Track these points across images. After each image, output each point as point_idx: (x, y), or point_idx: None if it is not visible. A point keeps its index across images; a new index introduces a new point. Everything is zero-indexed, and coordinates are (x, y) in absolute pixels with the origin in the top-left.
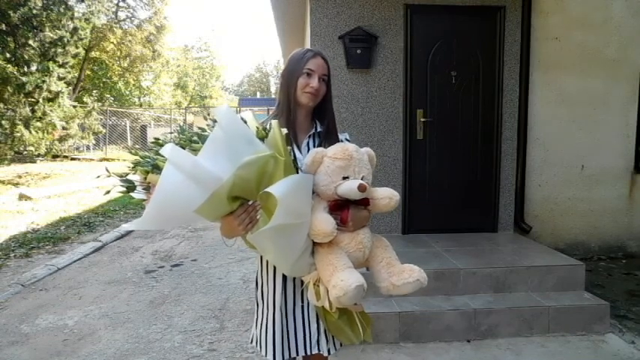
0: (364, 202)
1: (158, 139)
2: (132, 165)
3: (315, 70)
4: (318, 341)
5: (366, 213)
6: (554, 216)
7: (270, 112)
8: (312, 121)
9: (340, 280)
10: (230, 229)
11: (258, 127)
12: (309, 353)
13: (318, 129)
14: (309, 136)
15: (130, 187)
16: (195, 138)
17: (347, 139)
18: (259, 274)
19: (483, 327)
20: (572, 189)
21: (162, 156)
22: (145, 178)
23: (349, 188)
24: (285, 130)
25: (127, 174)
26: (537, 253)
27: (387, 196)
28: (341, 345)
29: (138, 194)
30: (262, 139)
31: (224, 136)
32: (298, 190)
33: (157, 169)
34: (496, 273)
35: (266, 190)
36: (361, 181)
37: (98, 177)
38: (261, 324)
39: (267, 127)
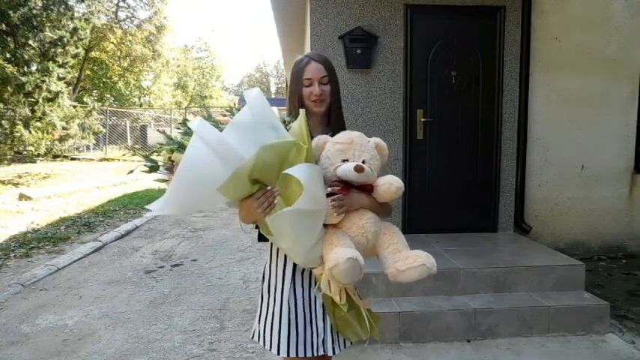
0: (367, 188)
1: (187, 119)
2: (158, 146)
3: (313, 78)
4: (324, 341)
5: (362, 198)
6: (554, 216)
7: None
8: (326, 126)
9: (334, 252)
10: (249, 211)
11: (283, 120)
12: (315, 354)
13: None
14: None
15: (154, 166)
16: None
17: None
18: (267, 267)
19: (483, 327)
20: (572, 189)
21: (190, 135)
22: (170, 158)
23: (346, 169)
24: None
25: (152, 153)
26: (537, 253)
27: (387, 182)
28: (345, 346)
29: (160, 174)
30: (287, 127)
31: (251, 117)
32: (318, 178)
33: (182, 148)
34: (496, 273)
35: (288, 172)
36: (359, 163)
37: (125, 154)
38: (266, 318)
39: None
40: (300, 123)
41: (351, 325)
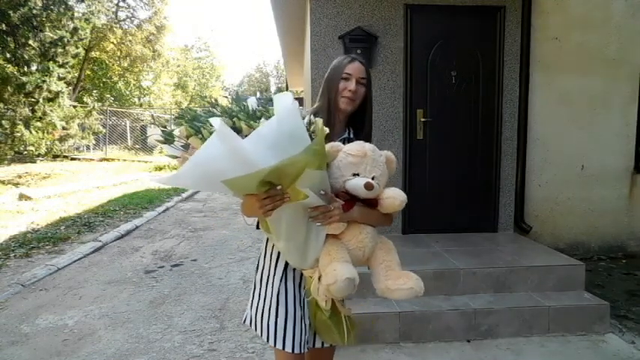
0: (372, 203)
1: (217, 99)
2: (177, 116)
3: (353, 74)
4: (307, 340)
5: (353, 212)
6: (554, 216)
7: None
8: (346, 126)
9: (333, 269)
10: (251, 208)
11: (308, 121)
12: (302, 351)
13: (351, 135)
14: (340, 141)
15: (169, 139)
16: (258, 114)
17: None
18: (262, 258)
19: (483, 327)
20: (572, 189)
21: (211, 125)
22: (188, 137)
23: (356, 185)
24: (327, 130)
25: (173, 130)
26: (537, 253)
27: (392, 196)
28: (322, 345)
29: (173, 149)
30: (310, 131)
31: (277, 129)
32: (325, 184)
33: (200, 133)
34: (496, 273)
35: (301, 189)
36: (369, 180)
37: (147, 138)
38: (256, 306)
39: (309, 120)
40: (320, 133)
41: (330, 329)
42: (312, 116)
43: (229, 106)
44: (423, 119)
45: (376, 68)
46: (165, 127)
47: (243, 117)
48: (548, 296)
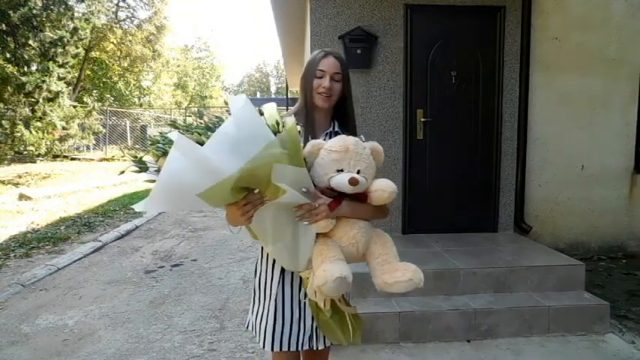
0: (361, 197)
1: (175, 121)
2: (150, 142)
3: (326, 70)
4: (310, 337)
5: (343, 207)
6: (554, 216)
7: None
8: (330, 120)
9: (323, 270)
10: (234, 217)
11: (275, 122)
12: (300, 349)
13: (335, 128)
14: (325, 135)
15: (143, 167)
16: (211, 126)
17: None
18: (259, 263)
19: (483, 327)
20: (572, 189)
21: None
22: (157, 160)
23: (340, 181)
24: (298, 127)
25: (142, 156)
26: (537, 253)
27: (380, 188)
28: (332, 343)
29: (150, 175)
30: (276, 133)
31: (236, 131)
32: (304, 182)
33: (166, 154)
34: (496, 273)
35: (277, 183)
36: (354, 175)
37: (122, 173)
38: (257, 312)
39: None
40: (288, 132)
41: (333, 329)
42: (288, 118)
43: (189, 123)
44: (423, 119)
45: (376, 68)
46: (135, 156)
47: (201, 130)
48: (548, 296)
